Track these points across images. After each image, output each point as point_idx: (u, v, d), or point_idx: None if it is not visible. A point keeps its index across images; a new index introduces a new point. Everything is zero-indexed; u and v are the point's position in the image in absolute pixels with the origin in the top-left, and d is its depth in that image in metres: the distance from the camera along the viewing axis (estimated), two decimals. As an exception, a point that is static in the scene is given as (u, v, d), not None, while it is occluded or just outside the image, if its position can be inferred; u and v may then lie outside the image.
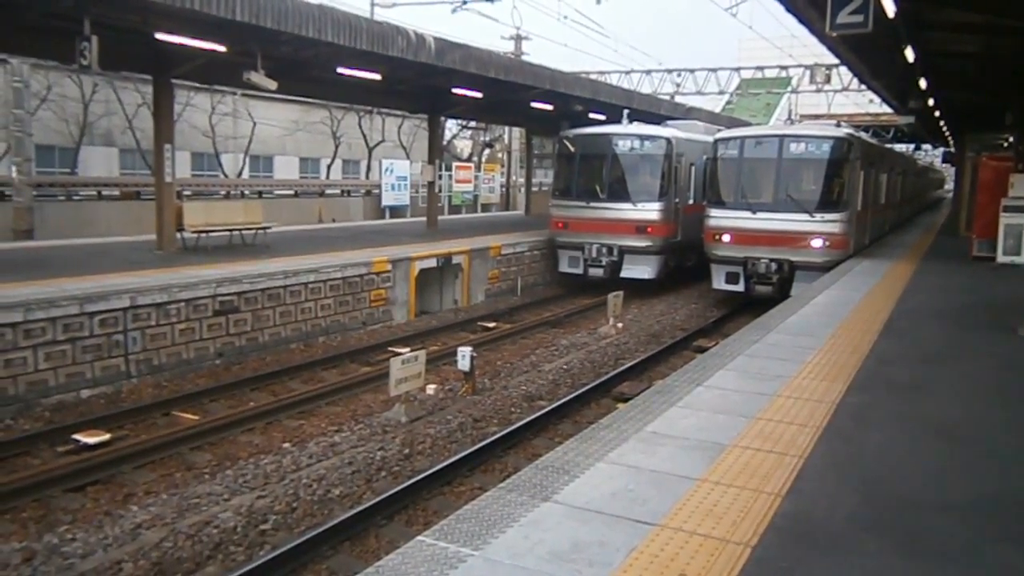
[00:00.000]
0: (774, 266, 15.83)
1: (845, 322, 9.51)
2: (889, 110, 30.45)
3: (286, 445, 8.88)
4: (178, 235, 15.25)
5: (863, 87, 28.60)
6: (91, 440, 8.46)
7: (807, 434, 5.38)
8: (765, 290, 15.90)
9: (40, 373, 9.59)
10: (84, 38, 10.96)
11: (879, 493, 4.46)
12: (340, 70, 15.82)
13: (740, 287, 16.56)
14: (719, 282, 17.01)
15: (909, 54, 13.34)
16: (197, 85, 26.30)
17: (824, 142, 15.87)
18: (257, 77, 13.63)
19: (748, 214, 16.02)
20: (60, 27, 11.66)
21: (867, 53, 16.01)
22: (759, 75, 36.97)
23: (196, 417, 9.57)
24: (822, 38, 14.38)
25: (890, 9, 9.75)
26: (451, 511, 4.08)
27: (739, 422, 5.59)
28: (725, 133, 17.38)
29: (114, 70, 19.64)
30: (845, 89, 33.49)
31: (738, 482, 4.49)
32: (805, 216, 15.49)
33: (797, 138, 15.96)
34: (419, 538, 3.70)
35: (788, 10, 12.34)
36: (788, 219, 15.62)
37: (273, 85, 13.95)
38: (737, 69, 37.03)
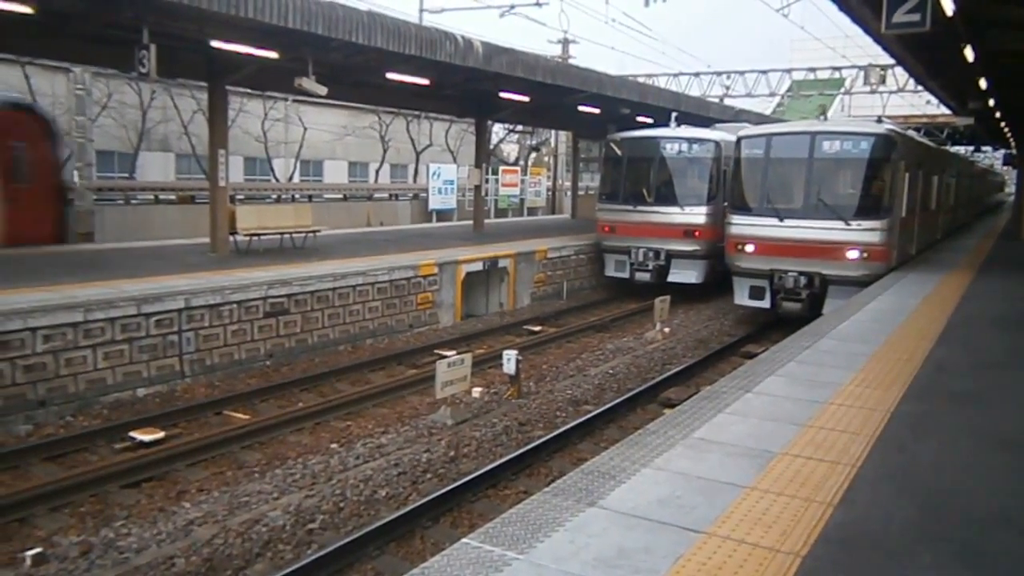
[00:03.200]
0: (803, 280, 14.08)
1: (900, 328, 9.26)
2: (947, 111, 29.64)
3: (334, 446, 8.99)
4: (231, 238, 15.57)
5: (919, 88, 27.86)
6: (146, 438, 8.69)
7: (860, 443, 5.25)
8: (793, 307, 14.19)
9: (99, 372, 9.88)
10: (143, 47, 11.28)
11: (935, 505, 4.33)
12: (389, 75, 15.99)
13: (766, 303, 14.83)
14: (742, 297, 15.33)
15: (969, 53, 12.98)
16: (250, 91, 26.84)
17: (862, 140, 13.99)
18: (308, 83, 13.86)
19: (774, 221, 14.33)
20: (120, 37, 12.03)
21: (924, 53, 15.61)
22: (811, 76, 36.29)
23: (247, 417, 9.75)
24: (877, 38, 14.08)
25: (949, 7, 9.50)
26: (496, 514, 4.09)
27: (789, 429, 5.48)
28: (749, 130, 15.64)
29: (171, 77, 20.14)
30: (900, 90, 32.66)
31: (788, 491, 4.41)
32: (839, 224, 13.75)
33: (831, 135, 14.15)
34: (464, 540, 3.71)
35: (841, 9, 12.11)
36: (820, 227, 13.91)
37: (323, 91, 14.17)
38: (788, 70, 36.42)
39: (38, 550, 6.29)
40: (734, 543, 3.76)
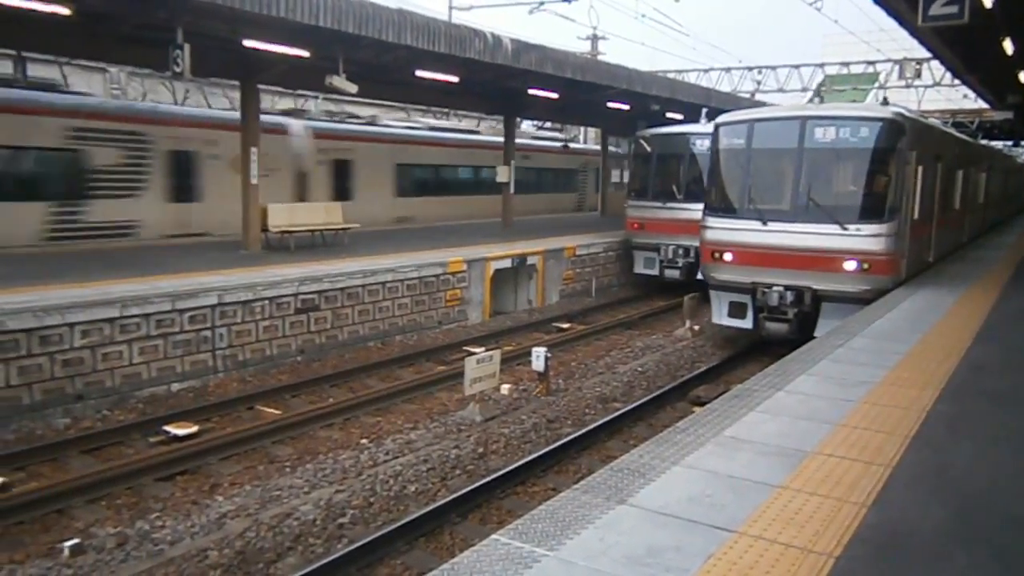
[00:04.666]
0: (791, 296, 11.74)
1: (935, 327, 9.10)
2: (985, 105, 29.04)
3: (364, 441, 9.06)
4: (263, 235, 15.74)
5: (956, 82, 27.34)
6: (180, 432, 8.83)
7: (894, 443, 5.17)
8: (778, 329, 11.90)
9: (134, 367, 10.05)
10: (177, 46, 11.44)
11: (972, 506, 4.25)
12: (418, 73, 16.05)
13: (747, 323, 12.62)
14: (720, 315, 13.05)
15: (1008, 46, 12.71)
16: (281, 90, 27.08)
17: (862, 125, 11.58)
18: (339, 81, 13.96)
19: (757, 225, 12.01)
20: (154, 36, 12.21)
21: (961, 46, 15.32)
22: (844, 71, 35.78)
23: (278, 412, 9.86)
24: (913, 31, 13.85)
25: (987, -1, 9.29)
26: (525, 511, 4.09)
27: (822, 428, 5.41)
28: (729, 115, 13.05)
29: (204, 76, 20.39)
30: (937, 84, 32.07)
31: (821, 491, 4.35)
32: (834, 228, 11.43)
33: (824, 121, 11.75)
34: (494, 536, 3.71)
35: (876, 2, 11.92)
36: (811, 232, 11.60)
37: (354, 88, 14.26)
38: (821, 65, 35.91)
39: (76, 541, 6.42)
40: (766, 543, 3.72)
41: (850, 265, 11.40)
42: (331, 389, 10.99)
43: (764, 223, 11.93)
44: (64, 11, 10.83)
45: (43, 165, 16.05)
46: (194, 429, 8.98)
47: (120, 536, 6.60)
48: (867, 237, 11.31)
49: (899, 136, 11.58)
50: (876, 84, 38.72)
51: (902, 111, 12.15)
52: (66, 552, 6.28)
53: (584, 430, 9.12)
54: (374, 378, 11.61)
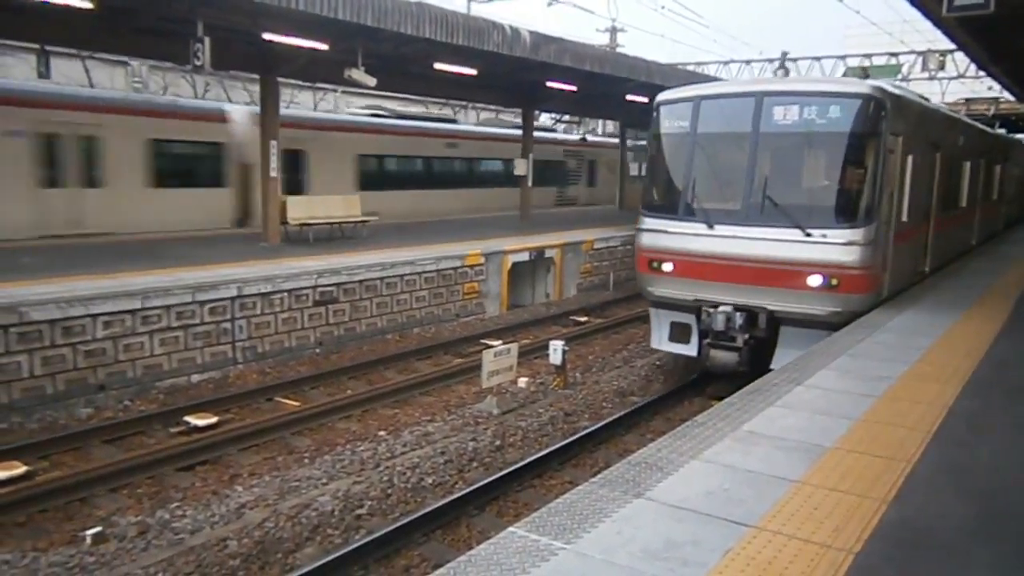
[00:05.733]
0: (740, 318, 9.37)
1: (958, 323, 9.00)
2: (1010, 98, 28.63)
3: (381, 433, 9.10)
4: (282, 227, 15.83)
5: (981, 74, 26.95)
6: (201, 422, 8.91)
7: (916, 438, 5.12)
8: (726, 360, 9.58)
9: (155, 358, 10.15)
10: (197, 40, 11.51)
11: (995, 504, 4.20)
12: (437, 66, 16.04)
13: (691, 349, 10.27)
14: (659, 338, 10.62)
15: (1034, 37, 12.47)
16: (300, 83, 27.21)
17: (832, 104, 9.18)
18: (358, 74, 13.99)
19: (701, 228, 9.65)
20: (175, 30, 12.29)
21: (987, 37, 15.07)
22: (866, 63, 35.38)
23: (297, 403, 9.93)
24: (937, 22, 13.63)
25: (1014, -12, 9.12)
26: (542, 504, 4.09)
27: (841, 423, 5.37)
28: (672, 91, 10.51)
29: (224, 70, 20.50)
30: (961, 76, 31.64)
31: (841, 486, 4.32)
32: (795, 234, 9.07)
33: (785, 98, 9.40)
34: (511, 529, 3.72)
35: (899, -7, 11.74)
36: (766, 239, 9.27)
37: (372, 81, 14.29)
38: (843, 57, 35.52)
39: (98, 529, 6.51)
40: (785, 538, 3.70)
41: (814, 280, 9.03)
42: (349, 381, 11.05)
43: (710, 226, 9.57)
44: (86, 4, 10.92)
45: None
46: (214, 420, 9.06)
47: (141, 525, 6.68)
48: (836, 245, 8.96)
49: (879, 117, 9.19)
50: (899, 76, 38.29)
51: (884, 86, 9.66)
52: (88, 540, 6.37)
53: (601, 423, 9.11)
54: (392, 370, 11.65)
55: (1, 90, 15.60)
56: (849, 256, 8.99)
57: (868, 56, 34.76)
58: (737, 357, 9.54)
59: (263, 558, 6.20)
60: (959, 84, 33.25)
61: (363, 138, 22.47)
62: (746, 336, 9.51)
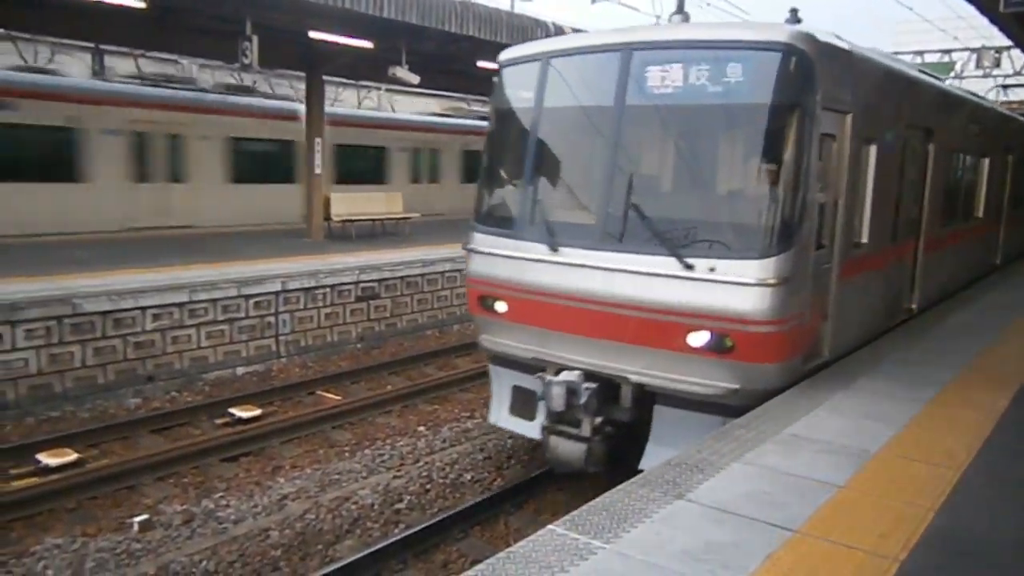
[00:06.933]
0: (589, 394, 6.27)
1: (1013, 325, 8.75)
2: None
3: (421, 428, 9.16)
4: (325, 223, 16.03)
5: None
6: (245, 414, 9.07)
7: (965, 445, 4.99)
8: (569, 452, 6.49)
9: (202, 350, 10.36)
10: (246, 38, 11.71)
11: (1049, 514, 4.07)
12: (480, 64, 16.09)
13: (534, 429, 7.02)
14: (499, 408, 7.42)
15: (1096, 33, 12.05)
16: (345, 81, 27.48)
17: (730, 60, 5.94)
18: (401, 72, 14.10)
19: (543, 251, 6.55)
20: (224, 29, 12.52)
21: (1046, 33, 14.61)
22: (918, 60, 34.58)
23: (339, 397, 10.05)
24: (993, 18, 13.27)
25: (1076, -17, 8.80)
26: (581, 503, 4.08)
27: (888, 429, 5.26)
28: (517, 48, 7.30)
29: (271, 67, 20.85)
30: (1017, 74, 30.77)
31: (887, 493, 4.23)
32: (670, 265, 5.94)
33: (664, 52, 6.23)
34: (550, 527, 3.72)
35: (954, -12, 11.46)
36: (631, 270, 6.11)
37: (416, 79, 14.38)
38: (894, 55, 34.79)
39: (145, 517, 6.67)
40: (828, 544, 3.64)
41: (698, 338, 5.88)
42: (390, 376, 11.14)
43: (553, 249, 6.43)
44: (139, 4, 11.18)
45: None
46: (258, 412, 9.21)
47: (186, 513, 6.82)
48: (729, 285, 5.72)
49: (805, 82, 5.87)
50: (952, 74, 37.36)
51: (817, 34, 6.09)
52: (136, 527, 6.53)
53: (641, 424, 9.03)
54: (432, 366, 11.72)
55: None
56: (750, 302, 5.65)
57: (920, 53, 33.97)
58: (584, 451, 6.35)
59: (304, 549, 6.29)
60: (1015, 81, 32.32)
61: (234, 122, 19.08)
62: (597, 422, 6.36)
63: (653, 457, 6.18)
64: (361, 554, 5.98)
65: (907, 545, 3.65)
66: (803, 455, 4.73)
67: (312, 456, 8.38)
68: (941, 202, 9.63)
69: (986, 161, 12.02)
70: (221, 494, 7.29)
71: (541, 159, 6.94)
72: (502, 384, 7.40)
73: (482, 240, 7.07)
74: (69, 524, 6.66)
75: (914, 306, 9.19)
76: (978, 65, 32.10)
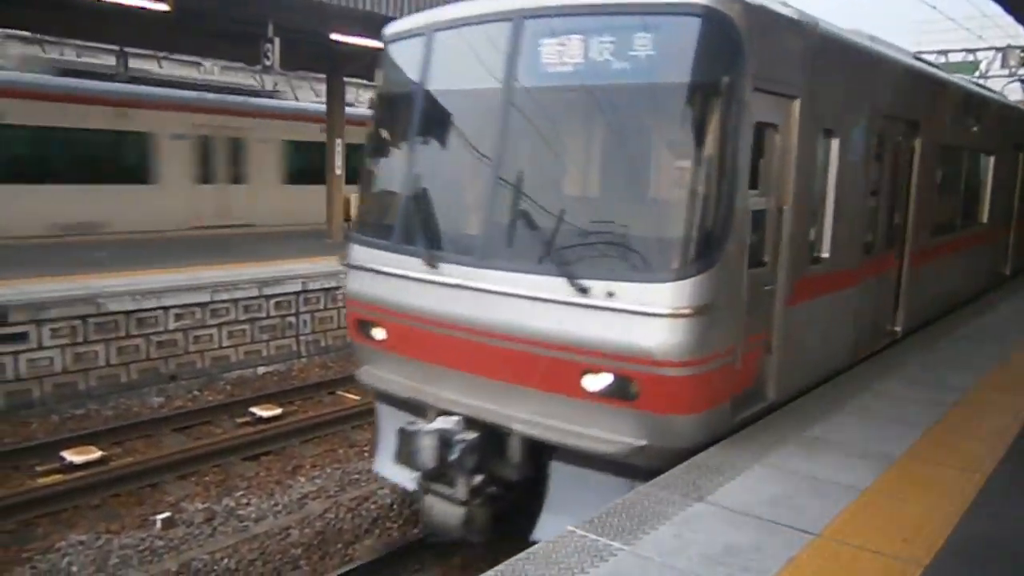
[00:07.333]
0: (463, 445, 5.16)
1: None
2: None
3: (440, 429, 9.16)
4: (345, 224, 16.12)
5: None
6: (266, 413, 9.13)
7: (989, 450, 4.93)
8: (448, 516, 5.35)
9: (223, 350, 10.44)
10: (267, 40, 11.80)
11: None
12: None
13: (411, 480, 5.69)
14: (383, 454, 6.17)
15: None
16: (366, 82, 27.60)
17: (636, 30, 4.70)
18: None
19: (419, 267, 5.43)
20: (246, 31, 12.62)
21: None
22: (942, 59, 34.18)
23: (358, 398, 10.08)
24: (1021, 17, 13.10)
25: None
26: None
27: (911, 432, 5.20)
28: (404, 21, 6.21)
29: (293, 69, 21.02)
30: (1045, 73, 30.32)
31: (911, 496, 4.19)
32: (560, 287, 4.73)
33: (560, 20, 5.04)
34: (570, 528, 3.72)
35: (980, -13, 11.32)
36: (516, 293, 4.90)
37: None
38: (918, 54, 34.41)
39: (167, 514, 6.73)
40: (851, 548, 3.60)
41: (594, 382, 4.72)
42: (409, 377, 11.16)
43: (432, 265, 5.33)
44: (163, 7, 11.30)
45: None
46: (278, 411, 9.27)
47: (208, 511, 6.88)
48: (632, 316, 4.55)
49: (730, 55, 4.72)
50: (976, 73, 36.88)
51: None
52: (158, 524, 6.59)
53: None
54: (451, 367, 11.72)
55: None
56: (656, 338, 4.45)
57: (944, 52, 33.59)
58: (462, 516, 5.25)
59: (323, 548, 6.32)
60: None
61: None
62: (479, 479, 5.23)
63: (549, 526, 4.95)
64: (381, 554, 6.00)
65: (932, 550, 3.61)
66: (825, 458, 4.69)
67: (332, 455, 8.41)
68: (932, 207, 8.48)
69: (991, 159, 10.74)
70: (242, 492, 7.35)
71: (422, 155, 5.78)
72: (387, 426, 6.05)
73: (360, 254, 5.95)
74: (93, 521, 6.74)
75: (898, 328, 7.95)
76: (1004, 64, 31.69)
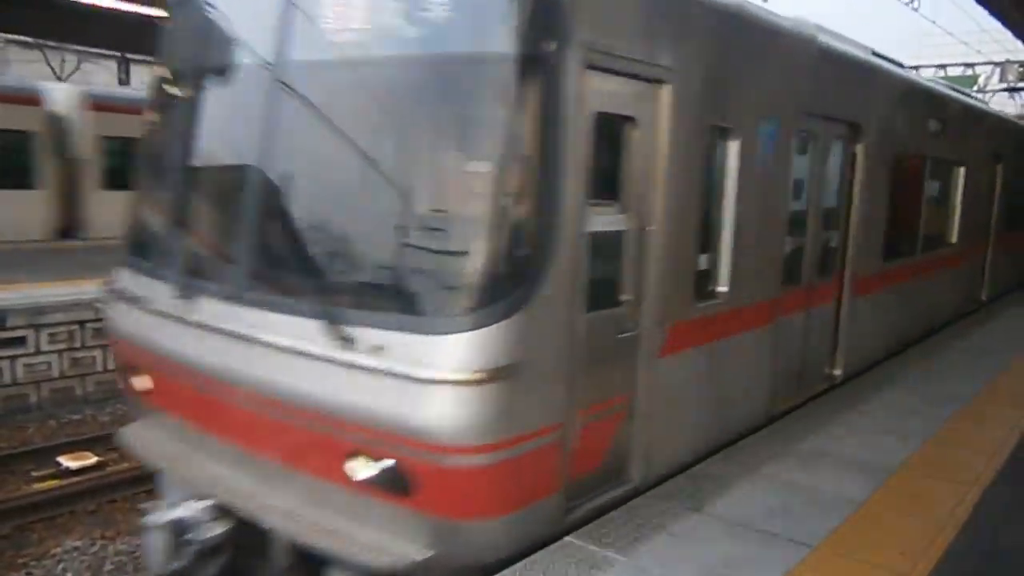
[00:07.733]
0: (197, 549, 3.94)
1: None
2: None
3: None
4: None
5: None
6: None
7: (986, 461, 4.94)
8: None
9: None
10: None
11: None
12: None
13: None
14: (154, 548, 4.00)
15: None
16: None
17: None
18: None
19: (173, 299, 4.14)
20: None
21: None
22: (940, 74, 34.38)
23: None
24: (1019, 32, 13.19)
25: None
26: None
27: (909, 444, 5.21)
28: None
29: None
30: (1043, 86, 30.50)
31: (907, 508, 4.19)
32: (318, 334, 3.46)
33: None
34: (568, 539, 3.71)
35: (979, 1, 11.42)
36: (267, 342, 3.65)
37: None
38: (916, 68, 34.59)
39: (164, 521, 6.69)
40: (848, 560, 3.60)
41: (360, 467, 3.46)
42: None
43: (187, 297, 4.12)
44: (164, 15, 11.34)
45: None
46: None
47: (205, 518, 6.85)
48: (404, 381, 3.25)
49: (547, 17, 3.44)
50: (975, 87, 37.08)
51: None
52: (155, 531, 6.56)
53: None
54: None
55: None
56: (435, 412, 3.23)
57: (942, 67, 33.79)
58: None
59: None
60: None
61: None
62: None
63: None
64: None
65: (929, 562, 3.61)
66: (823, 470, 4.70)
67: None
68: (880, 227, 7.19)
69: (961, 171, 9.38)
70: (239, 500, 7.32)
71: (188, 153, 4.50)
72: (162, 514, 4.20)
73: (126, 279, 4.62)
74: (89, 526, 6.72)
75: (838, 372, 6.72)
76: (1002, 78, 31.92)
